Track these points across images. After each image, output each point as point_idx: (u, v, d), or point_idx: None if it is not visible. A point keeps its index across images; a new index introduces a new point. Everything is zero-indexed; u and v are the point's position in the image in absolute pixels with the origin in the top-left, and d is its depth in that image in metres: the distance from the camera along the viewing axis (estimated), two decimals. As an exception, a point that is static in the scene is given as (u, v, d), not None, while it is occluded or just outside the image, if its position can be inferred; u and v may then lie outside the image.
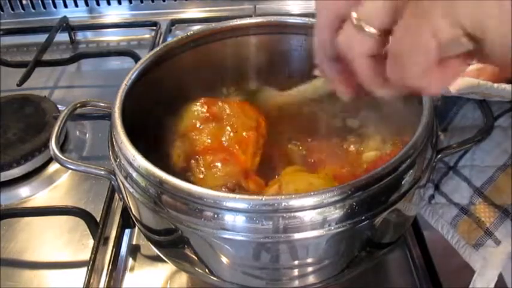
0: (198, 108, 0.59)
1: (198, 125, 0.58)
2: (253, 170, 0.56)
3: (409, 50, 0.28)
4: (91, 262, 0.56)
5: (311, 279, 0.46)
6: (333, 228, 0.39)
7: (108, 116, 0.49)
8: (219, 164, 0.53)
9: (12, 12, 1.12)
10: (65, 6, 1.12)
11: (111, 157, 0.47)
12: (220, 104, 0.60)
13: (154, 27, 1.06)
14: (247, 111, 0.60)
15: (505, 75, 0.47)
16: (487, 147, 0.49)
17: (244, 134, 0.57)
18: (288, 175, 0.53)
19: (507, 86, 0.46)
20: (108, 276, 0.57)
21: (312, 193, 0.38)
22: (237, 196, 0.39)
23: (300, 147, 0.61)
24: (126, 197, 0.48)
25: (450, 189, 0.51)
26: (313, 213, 0.38)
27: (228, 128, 0.58)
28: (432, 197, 0.53)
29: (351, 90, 0.37)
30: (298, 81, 0.68)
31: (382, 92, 0.33)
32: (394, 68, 0.30)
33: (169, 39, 0.60)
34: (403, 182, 0.42)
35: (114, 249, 0.59)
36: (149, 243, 0.52)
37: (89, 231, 0.61)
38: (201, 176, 0.53)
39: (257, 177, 0.54)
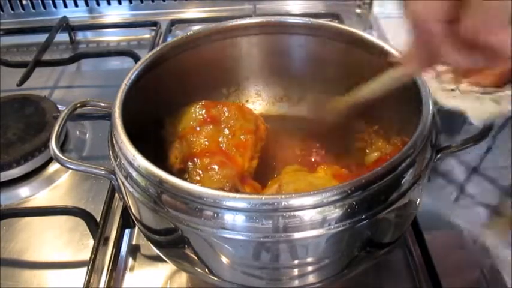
0: (197, 110, 0.59)
1: (196, 127, 0.58)
2: (251, 173, 0.57)
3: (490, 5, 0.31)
4: (91, 262, 0.56)
5: (311, 278, 0.46)
6: (332, 227, 0.39)
7: (108, 116, 0.49)
8: (216, 167, 0.53)
9: (12, 12, 1.12)
10: (65, 6, 1.12)
11: (111, 157, 0.48)
12: (219, 106, 0.60)
13: (155, 27, 1.06)
14: (246, 115, 0.60)
15: None
16: (507, 146, 0.49)
17: (242, 137, 0.57)
18: (288, 174, 0.53)
19: None
20: (108, 276, 0.57)
21: (311, 192, 0.38)
22: (237, 195, 0.39)
23: (301, 147, 0.61)
24: (126, 196, 0.48)
25: (476, 190, 0.52)
26: (313, 212, 0.39)
27: (226, 130, 0.58)
28: (458, 198, 0.53)
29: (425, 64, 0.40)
30: (298, 81, 0.68)
31: (455, 58, 0.35)
32: (474, 23, 0.32)
33: (170, 39, 0.61)
34: (402, 182, 0.42)
35: (114, 249, 0.60)
36: (149, 243, 0.52)
37: (88, 231, 0.61)
38: (198, 178, 0.53)
39: (253, 182, 0.55)
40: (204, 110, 0.59)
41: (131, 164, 0.43)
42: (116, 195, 0.65)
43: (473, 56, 0.34)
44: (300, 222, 0.39)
